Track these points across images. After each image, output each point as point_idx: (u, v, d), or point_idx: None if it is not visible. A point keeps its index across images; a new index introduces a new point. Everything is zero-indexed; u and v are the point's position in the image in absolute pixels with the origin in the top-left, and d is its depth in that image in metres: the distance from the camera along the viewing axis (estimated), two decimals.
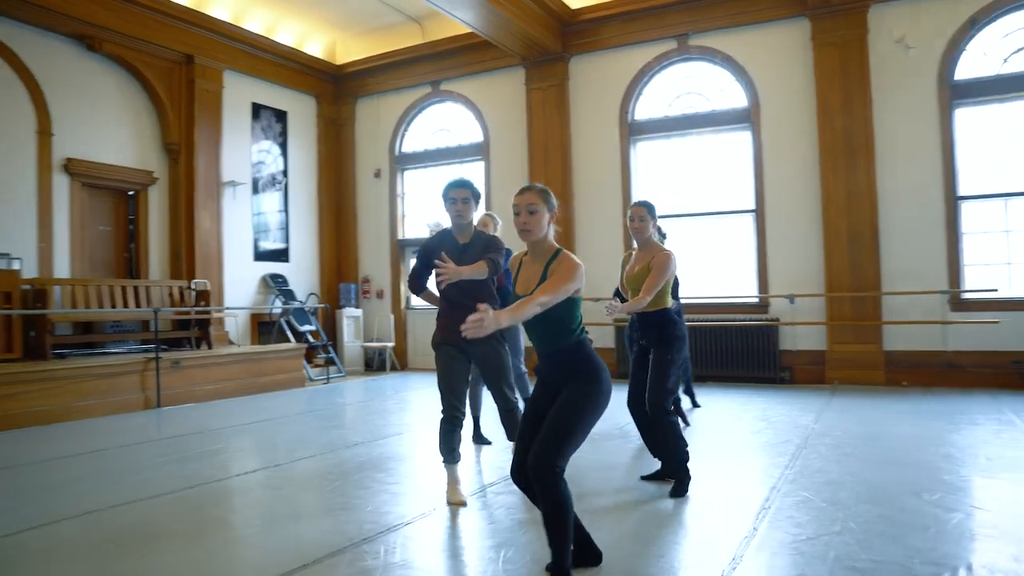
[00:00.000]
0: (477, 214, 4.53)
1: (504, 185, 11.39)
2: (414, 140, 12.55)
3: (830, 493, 4.24)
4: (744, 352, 9.58)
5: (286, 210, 12.15)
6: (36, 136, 9.26)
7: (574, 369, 2.94)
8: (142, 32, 9.90)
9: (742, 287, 9.95)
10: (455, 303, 4.21)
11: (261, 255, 11.66)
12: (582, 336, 2.98)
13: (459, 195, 4.26)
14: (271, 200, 11.90)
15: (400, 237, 12.49)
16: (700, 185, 10.30)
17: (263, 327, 11.55)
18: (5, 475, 5.39)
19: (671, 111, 10.43)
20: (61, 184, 9.50)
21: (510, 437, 4.45)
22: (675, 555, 3.39)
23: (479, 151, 11.81)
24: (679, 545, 3.55)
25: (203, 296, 10.22)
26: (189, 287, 10.32)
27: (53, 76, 9.37)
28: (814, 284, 9.36)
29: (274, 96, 11.93)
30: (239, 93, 11.30)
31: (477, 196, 4.33)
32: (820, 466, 4.94)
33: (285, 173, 12.14)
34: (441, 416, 4.30)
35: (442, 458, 4.30)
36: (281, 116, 12.05)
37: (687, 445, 4.31)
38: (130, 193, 10.39)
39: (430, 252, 4.32)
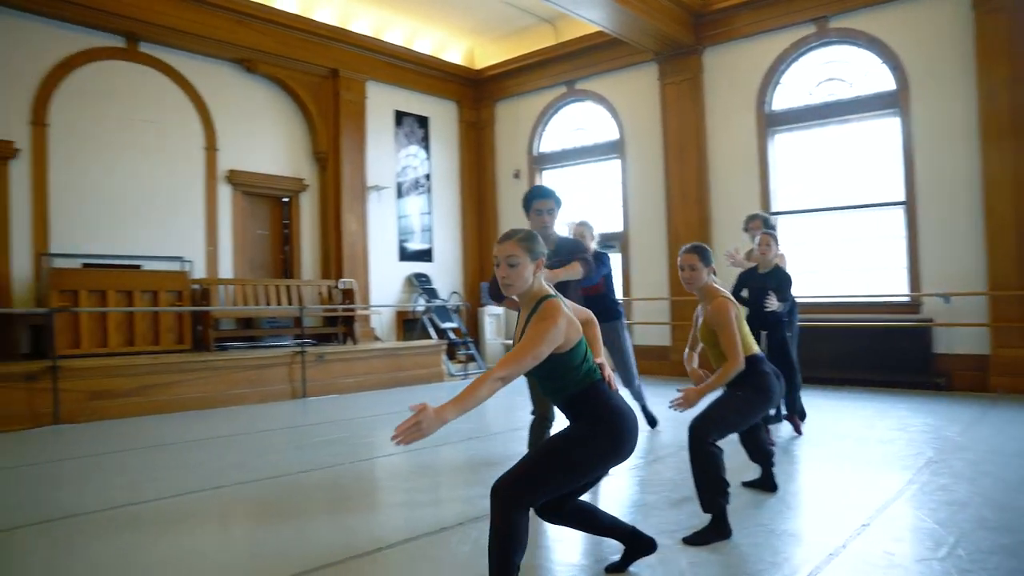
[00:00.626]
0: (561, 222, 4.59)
1: (640, 183, 11.29)
2: (551, 140, 12.68)
3: (948, 514, 3.73)
4: (892, 355, 8.74)
5: (430, 212, 12.66)
6: (204, 151, 10.28)
7: (577, 416, 2.72)
8: (292, 52, 10.74)
9: (890, 285, 9.17)
10: None
11: (406, 255, 12.21)
12: (588, 383, 2.69)
13: (544, 206, 4.32)
14: (415, 203, 12.45)
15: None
16: (843, 177, 9.62)
17: (408, 324, 12.08)
18: (169, 450, 6.07)
19: (811, 99, 9.84)
20: (225, 193, 10.47)
21: None
22: (741, 566, 3.17)
23: (615, 149, 11.73)
24: (748, 556, 3.29)
25: (349, 295, 10.86)
26: (336, 286, 11.01)
27: (217, 97, 10.38)
28: (974, 281, 8.43)
29: (416, 103, 12.50)
30: (382, 102, 11.95)
31: (560, 204, 4.40)
32: (946, 483, 4.35)
33: (428, 177, 12.68)
34: (532, 416, 4.44)
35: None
36: (423, 122, 12.60)
37: (728, 487, 3.55)
38: (284, 200, 11.26)
39: None
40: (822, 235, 9.71)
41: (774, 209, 9.98)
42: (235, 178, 10.53)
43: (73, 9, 8.96)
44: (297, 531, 3.77)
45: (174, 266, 9.78)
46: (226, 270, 10.45)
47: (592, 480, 2.78)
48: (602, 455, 2.63)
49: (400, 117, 12.27)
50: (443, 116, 12.97)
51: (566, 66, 12.05)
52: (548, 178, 12.74)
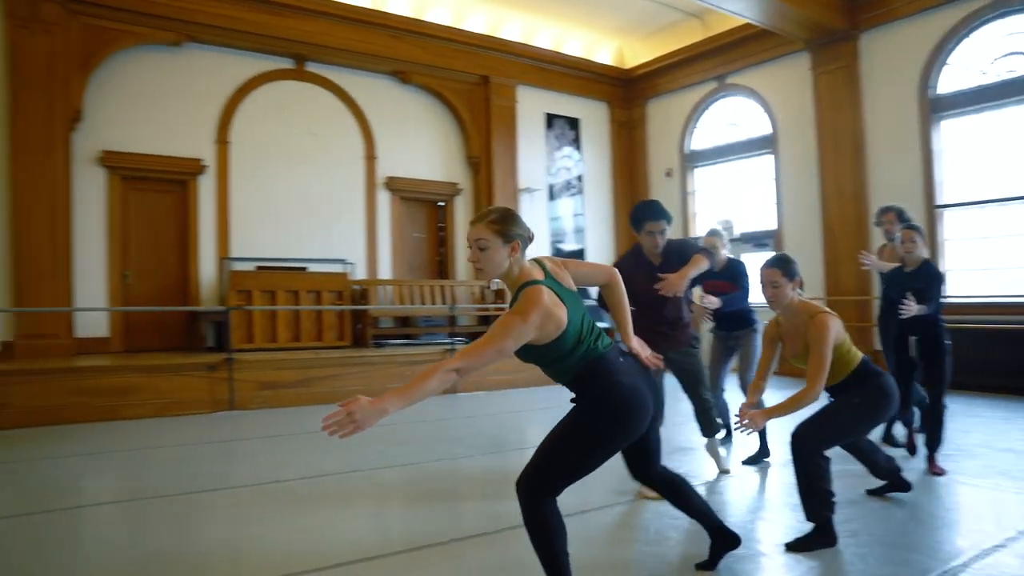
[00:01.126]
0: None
1: (794, 178, 10.80)
2: (703, 137, 12.37)
3: None
4: None
5: (582, 213, 12.74)
6: (364, 160, 10.99)
7: (580, 396, 2.60)
8: (444, 62, 11.23)
9: None
10: (650, 316, 4.37)
11: (558, 256, 12.34)
12: (588, 362, 2.53)
13: (656, 228, 4.28)
14: (567, 204, 12.59)
15: (692, 235, 12.36)
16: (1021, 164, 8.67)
17: None
18: (325, 436, 6.56)
19: (985, 79, 8.93)
20: (384, 199, 11.12)
21: (705, 433, 4.73)
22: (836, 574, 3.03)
23: (767, 144, 11.26)
24: (849, 565, 3.11)
25: (501, 294, 11.16)
26: (488, 286, 11.35)
27: (375, 108, 11.06)
28: None
29: (566, 105, 12.64)
30: (532, 105, 12.20)
31: (671, 221, 4.37)
32: None
33: (580, 178, 12.76)
34: None
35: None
36: (574, 124, 12.71)
37: (833, 497, 3.33)
38: (440, 203, 11.77)
39: (629, 278, 4.36)
40: (996, 229, 8.79)
41: (940, 202, 9.18)
42: (393, 184, 11.15)
43: (250, 38, 9.92)
44: (417, 512, 4.13)
45: (337, 268, 10.51)
46: (385, 271, 11.08)
47: (608, 457, 2.58)
48: (608, 435, 2.51)
49: (551, 120, 12.46)
50: (594, 117, 13.02)
51: (715, 61, 11.72)
52: (700, 176, 12.44)
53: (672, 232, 4.70)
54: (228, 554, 3.57)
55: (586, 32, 12.36)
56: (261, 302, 9.40)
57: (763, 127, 11.34)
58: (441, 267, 11.86)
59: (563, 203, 12.56)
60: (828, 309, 3.47)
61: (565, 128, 12.61)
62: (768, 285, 3.51)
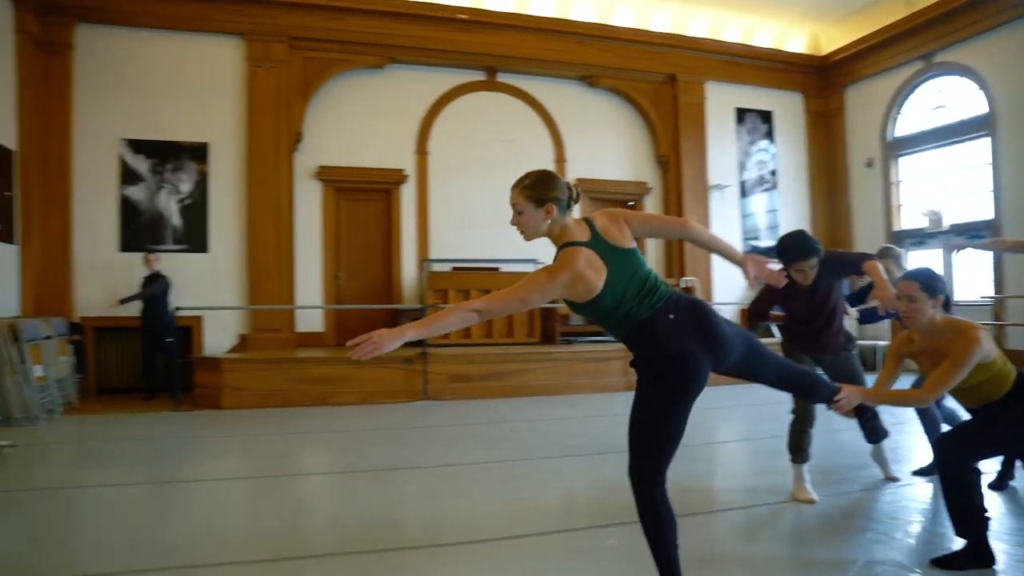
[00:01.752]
0: None
1: (1016, 162, 9.70)
2: (907, 123, 11.47)
3: None
4: None
5: (776, 209, 12.29)
6: (554, 163, 11.38)
7: (635, 361, 2.58)
8: (630, 63, 11.36)
9: None
10: (802, 319, 4.30)
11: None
12: (633, 325, 2.50)
13: (805, 266, 4.07)
14: (760, 200, 12.21)
15: (896, 228, 11.48)
16: None
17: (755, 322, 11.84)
18: (508, 426, 7.09)
19: None
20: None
21: (869, 439, 4.56)
22: None
23: (983, 125, 10.23)
24: None
25: (688, 292, 11.07)
26: (678, 284, 11.28)
27: (564, 113, 11.42)
28: None
29: (758, 98, 12.26)
30: (721, 101, 11.97)
31: (820, 254, 4.08)
32: None
33: (773, 173, 12.32)
34: (792, 416, 4.33)
35: (790, 456, 4.29)
36: (766, 117, 12.30)
37: (986, 513, 3.07)
38: (629, 203, 11.87)
39: (779, 299, 4.36)
40: None
41: None
42: (582, 186, 11.26)
43: (445, 55, 10.68)
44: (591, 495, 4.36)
45: (528, 268, 10.92)
46: None
47: (680, 422, 2.53)
48: (669, 399, 2.48)
49: (741, 114, 12.16)
50: (788, 108, 12.50)
51: (921, 38, 10.83)
52: (905, 165, 11.54)
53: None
54: (424, 523, 4.02)
55: (776, 21, 11.94)
56: (456, 301, 10.04)
57: (977, 107, 10.32)
58: None
59: (756, 199, 12.20)
60: (978, 324, 3.16)
61: (757, 122, 12.24)
62: (904, 299, 3.19)
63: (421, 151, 10.79)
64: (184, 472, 5.62)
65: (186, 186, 9.67)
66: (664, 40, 11.39)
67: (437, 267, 10.51)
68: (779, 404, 5.73)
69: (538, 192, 2.59)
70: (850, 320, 4.57)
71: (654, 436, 2.51)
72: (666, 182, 11.81)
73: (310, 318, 10.29)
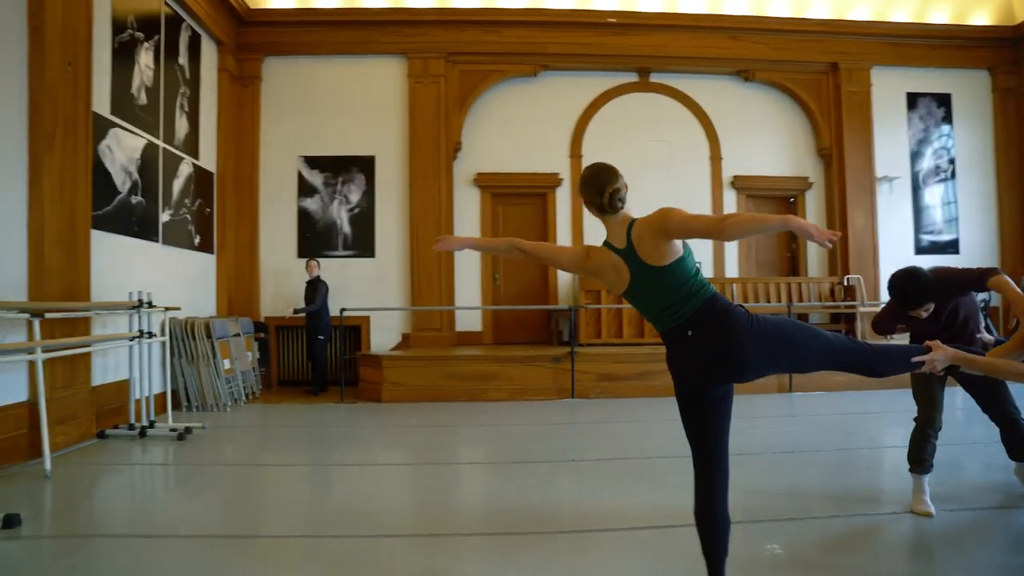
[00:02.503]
0: None
1: None
2: None
3: None
4: None
5: (954, 201, 11.36)
6: (709, 161, 11.23)
7: None
8: (787, 54, 10.98)
9: None
10: (930, 337, 4.10)
11: (924, 248, 11.20)
12: (659, 327, 2.80)
13: (920, 310, 3.85)
14: (935, 192, 11.34)
15: None
16: None
17: None
18: (643, 425, 7.35)
19: None
20: (730, 198, 11.23)
21: (1013, 456, 4.15)
22: None
23: None
24: None
25: (850, 291, 10.53)
26: (840, 283, 10.77)
27: (718, 110, 11.24)
28: None
29: (933, 81, 11.39)
30: (890, 87, 11.25)
31: (936, 297, 3.87)
32: None
33: (952, 161, 11.41)
34: (915, 423, 4.16)
35: (909, 466, 4.13)
36: (943, 100, 11.40)
37: None
38: (790, 199, 11.47)
39: (903, 320, 4.21)
40: None
41: None
42: (738, 183, 11.20)
43: (597, 60, 10.87)
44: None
45: None
46: (732, 270, 11.17)
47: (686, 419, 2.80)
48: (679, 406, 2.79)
49: (913, 99, 11.36)
50: (970, 89, 11.49)
51: None
52: None
53: None
54: (572, 509, 4.32)
55: None
56: (607, 302, 10.19)
57: None
58: (792, 263, 11.55)
59: (931, 191, 11.34)
60: None
61: (932, 106, 11.39)
62: None
63: (575, 154, 11.03)
64: (346, 456, 6.27)
65: (355, 196, 10.52)
66: (824, 27, 10.90)
67: None
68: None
69: (584, 197, 2.80)
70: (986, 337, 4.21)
71: (689, 430, 2.82)
72: (828, 176, 11.29)
73: (469, 318, 10.82)
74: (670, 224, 2.58)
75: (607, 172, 2.74)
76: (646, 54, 10.87)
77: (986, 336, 4.17)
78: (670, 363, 2.74)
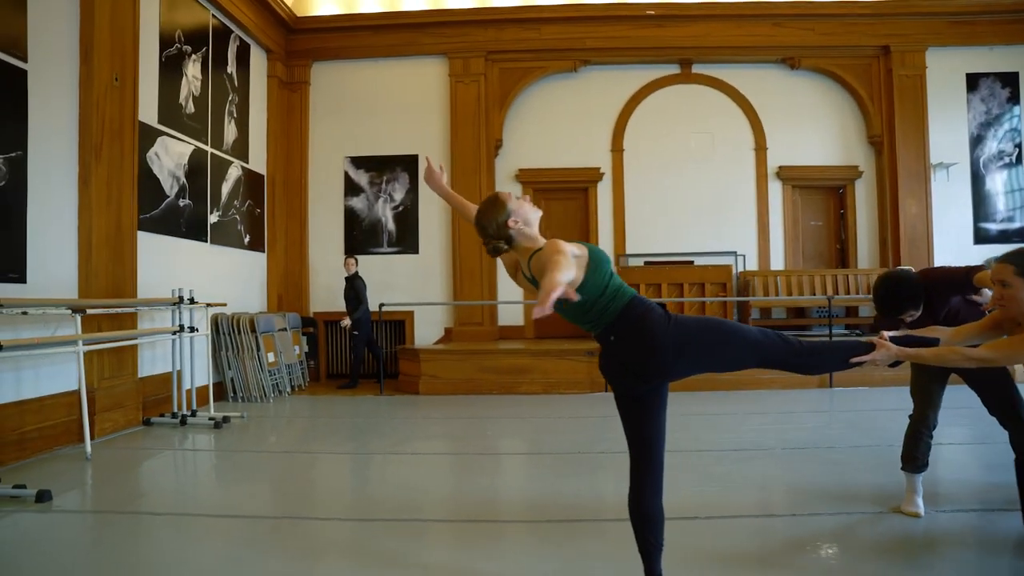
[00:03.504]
0: None
1: None
2: None
3: None
4: None
5: (1021, 186, 10.78)
6: (753, 152, 11.05)
7: None
8: (835, 39, 10.67)
9: None
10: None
11: (984, 238, 10.68)
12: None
13: (905, 316, 3.70)
14: (999, 178, 10.79)
15: None
16: None
17: None
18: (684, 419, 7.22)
19: None
20: (775, 189, 11.02)
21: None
22: None
23: None
24: None
25: None
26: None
27: (763, 99, 11.04)
28: None
29: (996, 60, 10.80)
30: (947, 68, 10.75)
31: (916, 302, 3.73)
32: None
33: (1019, 145, 10.82)
34: (910, 419, 4.06)
35: (901, 464, 4.02)
36: (1010, 80, 10.80)
37: None
38: (839, 189, 11.15)
39: (896, 327, 4.03)
40: None
41: None
42: (784, 173, 10.97)
43: (637, 53, 10.86)
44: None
45: (727, 260, 10.75)
46: (778, 262, 10.96)
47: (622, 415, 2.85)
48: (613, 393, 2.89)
49: (974, 80, 10.82)
50: None
51: None
52: None
53: None
54: (592, 500, 4.46)
55: None
56: (648, 295, 10.18)
57: None
58: (842, 255, 11.23)
59: (994, 177, 10.79)
60: None
61: (995, 87, 10.82)
62: (997, 283, 2.83)
63: (616, 148, 11.05)
64: (369, 444, 6.62)
65: (399, 195, 10.86)
66: (874, 9, 10.53)
67: (634, 261, 10.73)
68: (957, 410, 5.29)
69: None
70: None
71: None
72: (880, 164, 10.91)
73: (512, 312, 11.01)
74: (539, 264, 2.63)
75: (485, 213, 2.77)
76: (687, 45, 10.76)
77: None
78: (600, 365, 2.84)
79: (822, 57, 10.81)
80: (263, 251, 10.28)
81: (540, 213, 2.86)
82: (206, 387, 8.48)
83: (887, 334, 2.90)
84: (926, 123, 10.65)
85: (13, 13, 5.93)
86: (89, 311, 6.41)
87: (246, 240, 9.82)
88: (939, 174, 10.67)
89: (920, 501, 3.91)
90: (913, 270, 3.94)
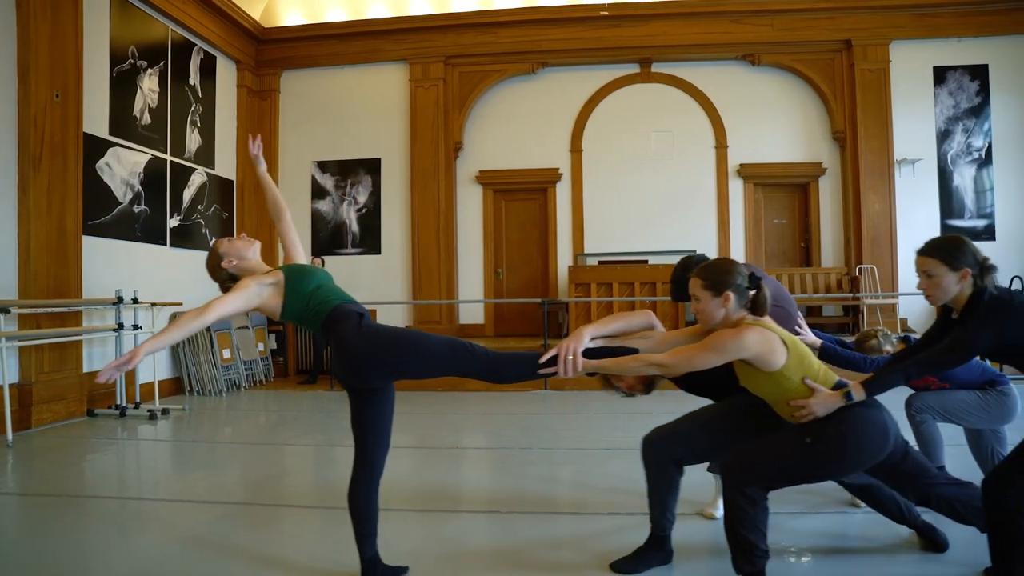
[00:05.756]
0: None
1: None
2: None
3: None
4: None
5: (990, 185, 10.36)
6: (714, 150, 10.99)
7: None
8: (795, 35, 10.51)
9: None
10: None
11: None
12: None
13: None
14: (966, 175, 10.40)
15: None
16: None
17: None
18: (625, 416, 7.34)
19: None
20: (736, 187, 10.93)
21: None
22: None
23: None
24: None
25: (856, 283, 9.97)
26: (847, 274, 10.22)
27: (724, 96, 10.96)
28: None
29: (964, 52, 10.41)
30: (912, 61, 10.44)
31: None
32: None
33: (987, 139, 10.41)
34: None
35: (708, 466, 4.01)
36: (977, 72, 10.41)
37: (758, 549, 2.78)
38: (802, 186, 10.97)
39: None
40: None
41: None
42: (746, 171, 10.87)
43: (596, 53, 10.94)
44: None
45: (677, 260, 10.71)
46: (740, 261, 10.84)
47: None
48: None
49: (941, 73, 10.47)
50: (1011, 58, 10.36)
51: None
52: None
53: None
54: (573, 494, 4.66)
55: None
56: (598, 294, 10.28)
57: None
58: (806, 254, 11.05)
59: (962, 172, 10.40)
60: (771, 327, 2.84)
61: (963, 80, 10.43)
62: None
63: (575, 149, 11.16)
64: (299, 437, 6.89)
65: (363, 197, 11.26)
66: (834, 3, 10.30)
67: (591, 261, 10.84)
68: None
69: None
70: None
71: None
72: (843, 161, 10.69)
73: (472, 311, 11.27)
74: None
75: (207, 264, 3.20)
76: (645, 44, 10.78)
77: (808, 336, 4.05)
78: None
79: (782, 53, 10.66)
80: None
81: (255, 244, 3.20)
82: (166, 381, 9.12)
83: (580, 345, 2.90)
84: (890, 118, 10.39)
85: None
86: (25, 311, 7.03)
87: (212, 242, 10.36)
88: (904, 170, 10.39)
89: (722, 503, 3.93)
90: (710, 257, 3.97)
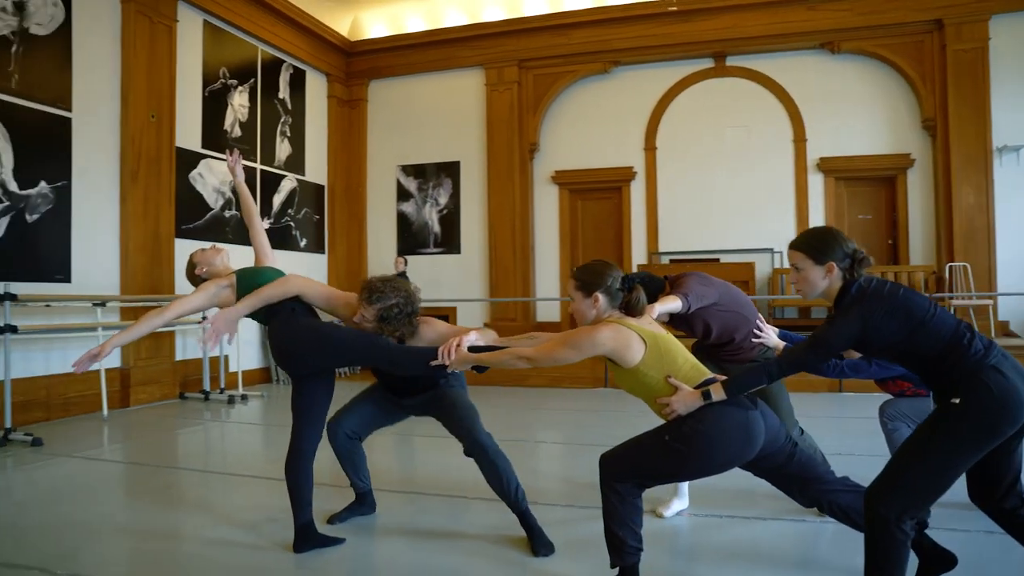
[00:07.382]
0: None
1: None
2: None
3: None
4: None
5: None
6: (792, 144, 10.57)
7: None
8: (878, 18, 9.89)
9: None
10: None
11: None
12: None
13: None
14: None
15: None
16: None
17: None
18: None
19: None
20: (816, 181, 10.46)
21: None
22: None
23: None
24: None
25: (942, 283, 9.27)
26: (934, 272, 9.52)
27: (802, 88, 10.51)
28: None
29: None
30: (1015, 39, 9.51)
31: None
32: None
33: None
34: None
35: None
36: None
37: (629, 545, 2.79)
38: (889, 179, 10.31)
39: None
40: None
41: None
42: (826, 165, 10.37)
43: (669, 50, 10.84)
44: None
45: (763, 257, 10.43)
46: None
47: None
48: None
49: None
50: None
51: None
52: None
53: None
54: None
55: None
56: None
57: None
58: (894, 251, 10.38)
59: None
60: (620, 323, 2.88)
61: None
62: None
63: (650, 147, 11.09)
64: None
65: (443, 199, 11.75)
66: None
67: (665, 259, 10.78)
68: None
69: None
70: None
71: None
72: (934, 150, 9.94)
73: (548, 309, 11.47)
74: None
75: (186, 272, 3.80)
76: (718, 38, 10.53)
77: (770, 339, 4.01)
78: None
79: (864, 38, 10.07)
80: (323, 253, 11.66)
81: (222, 253, 3.80)
82: (255, 371, 10.04)
83: (468, 341, 3.17)
84: (988, 102, 9.55)
85: (59, 74, 7.55)
86: (125, 305, 8.08)
87: (302, 244, 11.22)
88: (1006, 158, 9.54)
89: (676, 504, 3.97)
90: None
